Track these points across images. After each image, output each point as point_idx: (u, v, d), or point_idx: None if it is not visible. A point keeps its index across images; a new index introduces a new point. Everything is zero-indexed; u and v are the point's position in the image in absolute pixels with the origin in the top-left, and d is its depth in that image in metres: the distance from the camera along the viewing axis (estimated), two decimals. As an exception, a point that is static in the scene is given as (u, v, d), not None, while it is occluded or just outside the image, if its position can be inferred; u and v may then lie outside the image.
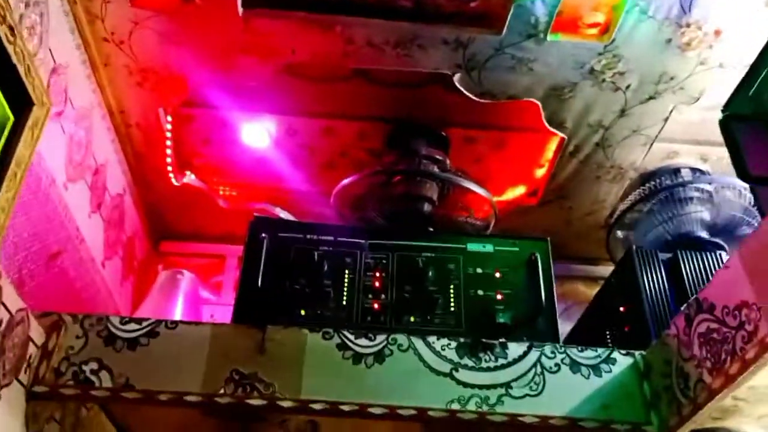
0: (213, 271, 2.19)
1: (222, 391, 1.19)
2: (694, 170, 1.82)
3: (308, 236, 1.48)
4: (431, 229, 1.65)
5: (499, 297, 1.40)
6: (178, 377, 1.20)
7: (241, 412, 1.23)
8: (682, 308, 1.17)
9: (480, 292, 1.40)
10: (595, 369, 1.25)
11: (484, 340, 1.27)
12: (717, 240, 1.65)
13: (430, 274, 1.42)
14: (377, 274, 1.43)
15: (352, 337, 1.26)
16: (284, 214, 1.91)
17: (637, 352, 1.27)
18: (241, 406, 1.19)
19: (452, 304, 1.39)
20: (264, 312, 1.35)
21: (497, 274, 1.43)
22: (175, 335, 1.25)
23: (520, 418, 1.18)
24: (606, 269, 2.07)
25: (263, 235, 1.45)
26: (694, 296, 1.14)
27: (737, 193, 1.69)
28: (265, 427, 1.47)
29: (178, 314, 1.74)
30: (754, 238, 1.06)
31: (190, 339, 1.25)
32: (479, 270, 1.44)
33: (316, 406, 1.19)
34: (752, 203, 1.65)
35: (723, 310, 1.05)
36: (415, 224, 1.66)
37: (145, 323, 1.26)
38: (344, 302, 1.39)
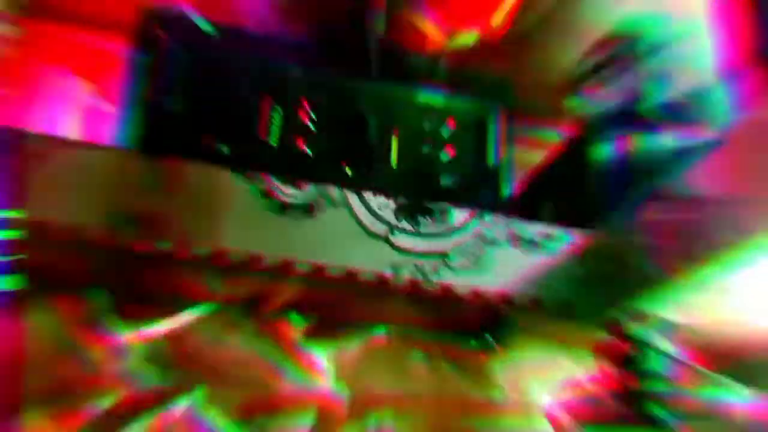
0: (97, 70, 1.82)
1: (124, 231, 1.03)
2: (656, 42, 1.69)
3: (229, 48, 1.22)
4: (376, 69, 1.45)
5: (444, 157, 1.27)
6: (73, 209, 1.03)
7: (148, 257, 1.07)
8: (640, 193, 1.10)
9: (425, 150, 1.27)
10: (536, 245, 1.18)
11: (425, 203, 1.16)
12: (668, 121, 1.58)
13: (372, 122, 1.26)
14: (311, 114, 1.24)
15: (279, 184, 1.11)
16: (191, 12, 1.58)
17: (579, 231, 1.20)
18: (147, 250, 1.04)
19: (393, 159, 1.25)
20: (173, 141, 1.15)
21: (445, 132, 1.29)
22: (71, 158, 1.05)
23: (455, 290, 1.11)
24: (552, 134, 1.98)
25: (168, 37, 1.19)
26: (656, 184, 1.07)
27: (695, 74, 1.60)
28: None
29: (73, 131, 1.48)
30: (736, 134, 0.98)
31: (88, 164, 1.05)
32: (426, 125, 1.28)
33: (234, 257, 1.06)
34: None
35: (688, 202, 0.99)
36: (359, 61, 1.46)
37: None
38: (271, 140, 1.21)
